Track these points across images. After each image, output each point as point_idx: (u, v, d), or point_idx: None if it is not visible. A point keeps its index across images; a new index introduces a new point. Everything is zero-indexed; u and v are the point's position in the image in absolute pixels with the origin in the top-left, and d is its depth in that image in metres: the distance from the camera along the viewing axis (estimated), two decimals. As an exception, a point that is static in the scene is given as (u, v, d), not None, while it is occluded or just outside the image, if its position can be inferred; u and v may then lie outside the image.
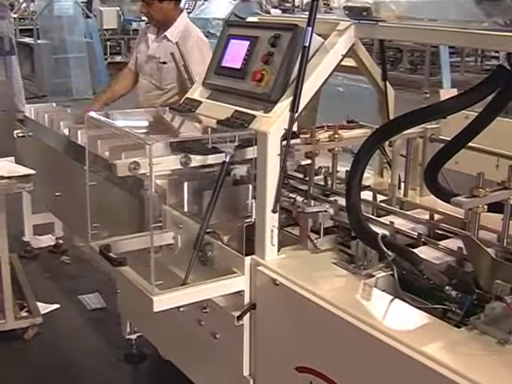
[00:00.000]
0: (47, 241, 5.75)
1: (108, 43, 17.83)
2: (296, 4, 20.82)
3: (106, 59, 15.94)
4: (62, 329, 4.50)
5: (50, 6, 13.17)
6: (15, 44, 9.86)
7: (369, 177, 3.41)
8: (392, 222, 2.64)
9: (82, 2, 14.57)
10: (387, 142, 3.28)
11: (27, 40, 13.99)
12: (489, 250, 2.31)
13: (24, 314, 4.35)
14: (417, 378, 1.97)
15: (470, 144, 2.69)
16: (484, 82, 2.41)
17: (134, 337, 3.96)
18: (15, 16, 14.91)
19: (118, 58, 17.92)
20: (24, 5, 16.41)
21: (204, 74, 3.04)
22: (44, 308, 4.56)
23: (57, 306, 4.71)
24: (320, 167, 3.27)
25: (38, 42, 13.30)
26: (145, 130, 2.64)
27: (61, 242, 5.71)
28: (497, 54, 14.44)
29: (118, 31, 18.42)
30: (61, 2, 12.99)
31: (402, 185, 3.26)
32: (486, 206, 2.31)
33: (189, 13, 15.51)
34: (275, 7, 16.59)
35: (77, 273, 5.34)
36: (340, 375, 2.26)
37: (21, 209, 5.53)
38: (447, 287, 2.22)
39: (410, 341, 2.02)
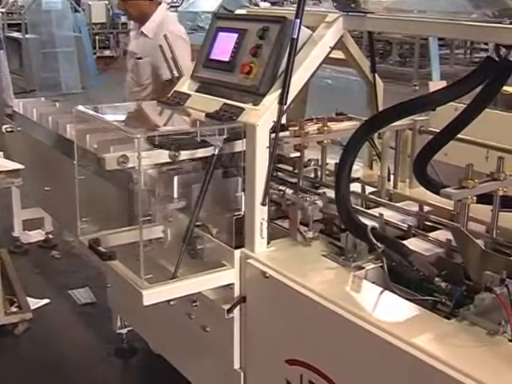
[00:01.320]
0: (37, 236, 5.73)
1: (97, 37, 17.77)
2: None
3: (94, 53, 15.90)
4: (53, 324, 4.48)
5: (38, 0, 13.11)
6: (3, 39, 9.80)
7: (358, 169, 3.40)
8: (381, 214, 2.64)
9: (72, -4, 14.52)
10: (376, 134, 3.28)
11: (15, 34, 13.93)
12: (478, 241, 2.31)
13: (14, 309, 4.34)
14: (407, 370, 1.98)
15: (459, 135, 2.69)
16: (472, 73, 2.41)
17: (124, 331, 3.95)
18: (3, 10, 14.88)
19: (107, 53, 17.89)
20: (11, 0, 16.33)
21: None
22: (34, 303, 4.54)
23: (47, 301, 4.69)
24: (309, 160, 3.26)
25: (27, 36, 13.25)
26: (133, 124, 2.62)
27: (50, 236, 5.70)
28: (486, 47, 14.44)
29: (107, 25, 18.35)
30: (49, -4, 12.96)
31: (392, 177, 3.27)
32: (474, 198, 2.31)
33: (177, 6, 15.51)
34: (264, 0, 16.53)
35: (67, 268, 5.32)
36: (330, 367, 2.26)
37: (10, 204, 5.50)
38: (437, 279, 2.22)
39: (400, 332, 2.02)
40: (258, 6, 13.44)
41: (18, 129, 4.95)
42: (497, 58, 2.35)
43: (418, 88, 12.43)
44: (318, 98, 3.72)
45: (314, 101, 3.63)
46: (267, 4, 16.08)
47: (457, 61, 15.65)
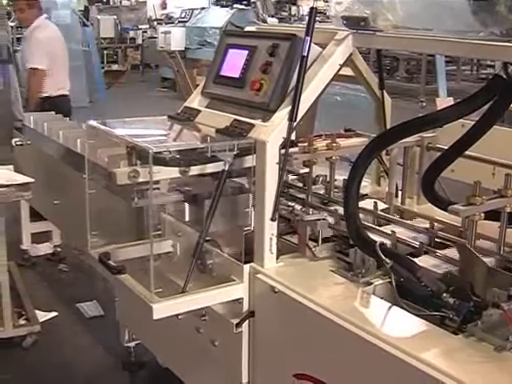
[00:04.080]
0: (45, 249, 5.76)
1: (105, 52, 17.89)
2: (293, 13, 20.87)
3: (102, 67, 15.99)
4: (60, 337, 4.50)
5: (47, 14, 13.17)
6: (12, 53, 9.86)
7: (366, 185, 3.42)
8: (394, 232, 2.66)
9: (80, 11, 14.62)
10: (384, 151, 3.31)
11: (24, 49, 13.99)
12: (487, 259, 2.33)
13: (22, 321, 4.36)
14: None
15: (466, 152, 2.71)
16: (480, 91, 2.44)
17: (132, 344, 3.95)
18: (12, 25, 14.93)
19: (115, 67, 18.02)
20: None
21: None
22: (42, 316, 4.56)
23: (55, 313, 4.71)
24: (318, 176, 3.29)
25: (36, 50, 13.29)
26: (145, 139, 2.65)
27: (58, 249, 5.72)
28: (492, 63, 14.50)
29: (115, 40, 18.48)
30: (58, 11, 12.98)
31: (399, 193, 3.28)
32: (482, 214, 2.33)
33: (185, 22, 15.61)
34: (272, 16, 16.60)
35: (74, 281, 5.35)
36: (339, 382, 2.27)
37: (19, 217, 5.53)
38: (445, 294, 2.24)
39: (409, 347, 2.04)
40: (266, 21, 13.51)
41: (28, 142, 4.99)
42: (505, 76, 2.37)
43: (424, 104, 12.46)
44: (327, 115, 3.75)
45: (322, 117, 3.66)
46: (275, 20, 16.15)
47: (463, 77, 15.71)
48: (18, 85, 8.64)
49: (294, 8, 21.02)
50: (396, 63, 15.90)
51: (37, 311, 4.56)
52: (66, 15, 13.12)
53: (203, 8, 16.47)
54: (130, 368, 4.06)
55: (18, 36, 14.73)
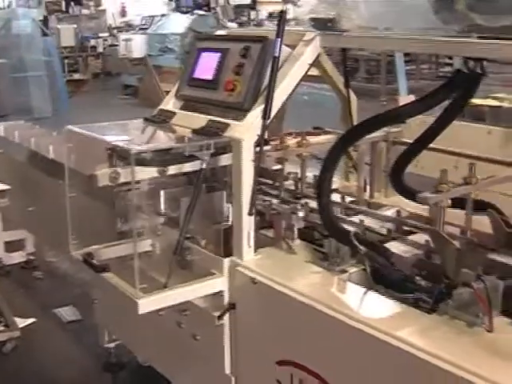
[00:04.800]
0: (18, 257, 5.78)
1: (66, 61, 17.84)
2: (252, 17, 21.04)
3: (64, 77, 15.95)
4: (40, 342, 4.54)
5: (7, 24, 13.16)
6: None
7: (335, 181, 3.54)
8: (362, 220, 2.79)
9: (39, 20, 14.59)
10: (352, 147, 3.44)
11: (-15, 59, 13.95)
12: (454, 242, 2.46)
13: (1, 328, 4.40)
14: (393, 362, 2.11)
15: (430, 145, 2.85)
16: (443, 86, 2.56)
17: (112, 345, 4.02)
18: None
19: (77, 76, 17.99)
20: (-20, 25, 16.36)
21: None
22: (21, 322, 4.60)
23: (33, 319, 4.75)
24: (289, 173, 3.40)
25: (-4, 61, 13.27)
26: (124, 141, 2.75)
27: (32, 258, 5.75)
28: (451, 61, 14.78)
29: (76, 49, 18.45)
30: (19, 21, 12.99)
31: (368, 188, 3.41)
32: (449, 201, 2.46)
33: (146, 29, 15.68)
34: (231, 21, 16.75)
35: (50, 287, 5.39)
36: (319, 364, 2.39)
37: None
38: (417, 278, 2.37)
39: (385, 327, 2.16)
40: (226, 26, 13.65)
41: (0, 151, 5.04)
42: (466, 71, 2.50)
43: (386, 103, 12.61)
44: (296, 113, 3.87)
45: (291, 116, 3.78)
46: (234, 25, 16.31)
47: (423, 75, 15.95)
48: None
49: (253, 13, 21.20)
50: (356, 64, 16.09)
51: (15, 318, 4.60)
52: (27, 25, 13.12)
53: (163, 15, 16.56)
54: (110, 369, 4.12)
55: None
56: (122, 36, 15.36)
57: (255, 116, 2.69)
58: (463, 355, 2.00)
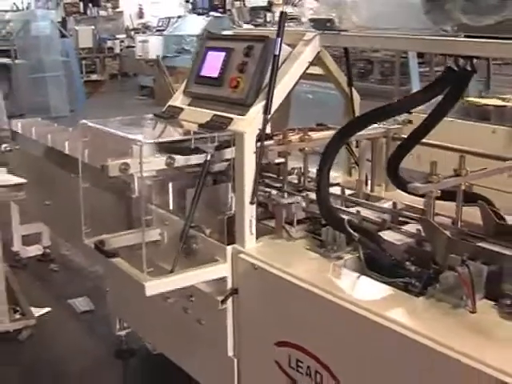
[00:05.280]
0: (35, 250, 5.96)
1: (83, 62, 18.08)
2: (268, 19, 21.19)
3: (82, 77, 16.18)
4: (54, 331, 4.71)
5: (26, 26, 13.39)
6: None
7: (338, 176, 3.70)
8: (359, 211, 2.93)
9: (58, 22, 14.81)
10: (354, 143, 3.59)
11: (4, 60, 14.18)
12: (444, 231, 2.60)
13: (17, 316, 4.57)
14: (383, 340, 2.26)
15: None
16: (434, 82, 2.71)
17: (123, 333, 4.18)
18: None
19: (94, 77, 18.23)
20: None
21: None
22: (36, 312, 4.77)
23: (48, 309, 4.92)
24: (293, 168, 3.55)
25: (16, 61, 13.49)
26: (134, 134, 2.91)
27: (48, 251, 5.94)
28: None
29: (94, 50, 18.69)
30: (37, 22, 13.21)
31: (369, 182, 3.56)
32: (439, 191, 2.59)
33: (163, 30, 15.87)
34: (247, 23, 16.92)
35: (65, 280, 5.56)
36: (315, 345, 2.54)
37: (9, 220, 5.74)
38: (407, 263, 2.51)
39: (376, 308, 2.31)
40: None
41: (17, 147, 5.22)
42: (456, 68, 2.64)
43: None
44: (300, 111, 4.01)
45: (296, 113, 3.93)
46: (251, 27, 16.45)
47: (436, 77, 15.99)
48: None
49: (269, 14, 21.34)
50: (370, 66, 16.20)
51: (31, 308, 4.77)
52: (46, 27, 13.33)
53: (180, 16, 16.74)
54: (122, 356, 4.28)
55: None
56: (139, 37, 15.56)
57: (257, 111, 2.84)
58: (448, 333, 2.14)
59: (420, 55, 12.50)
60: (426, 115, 2.78)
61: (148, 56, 14.84)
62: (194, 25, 15.19)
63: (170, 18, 16.68)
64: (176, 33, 15.36)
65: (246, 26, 15.87)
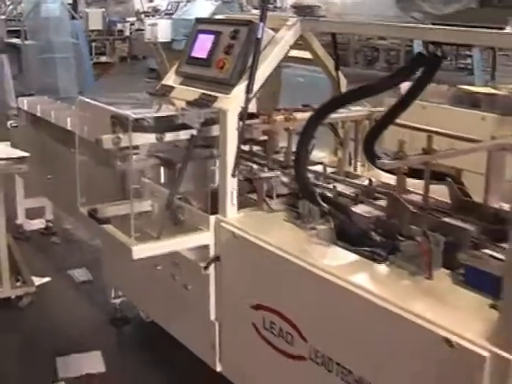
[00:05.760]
0: (38, 224, 6.19)
1: (93, 44, 18.26)
2: (278, 5, 21.24)
3: (91, 59, 16.34)
4: (53, 299, 4.93)
5: (36, 7, 13.54)
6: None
7: (325, 156, 3.90)
8: (335, 186, 3.14)
9: (68, 4, 14.96)
10: (340, 125, 3.79)
11: (14, 41, 14.37)
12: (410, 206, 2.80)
13: (19, 284, 4.79)
14: (348, 303, 2.47)
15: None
16: (406, 66, 2.89)
17: (117, 301, 4.41)
18: (3, 17, 15.31)
19: (103, 59, 18.42)
20: (11, 7, 16.79)
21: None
22: (36, 281, 4.99)
23: (48, 279, 5.14)
24: (282, 147, 3.75)
25: (26, 42, 13.66)
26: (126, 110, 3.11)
27: (51, 224, 6.16)
28: (471, 53, 14.95)
29: (103, 32, 18.86)
30: (47, 4, 13.35)
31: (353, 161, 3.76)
32: (406, 168, 2.79)
33: (171, 14, 15.98)
34: (255, 8, 16.99)
35: (66, 252, 5.78)
36: (287, 308, 2.75)
37: (14, 194, 5.95)
38: (373, 234, 2.71)
39: (343, 274, 2.52)
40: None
41: (23, 124, 5.43)
42: (426, 53, 2.82)
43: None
44: (292, 93, 4.21)
45: (288, 95, 4.12)
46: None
47: (442, 67, 16.10)
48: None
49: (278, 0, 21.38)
50: (376, 54, 16.36)
51: (32, 277, 4.99)
52: (56, 8, 13.44)
53: (189, 0, 16.83)
54: (116, 323, 4.50)
55: (9, 29, 15.17)
56: (148, 21, 15.68)
57: (240, 90, 3.05)
58: (405, 296, 2.35)
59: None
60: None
61: (157, 39, 14.97)
62: (203, 9, 15.26)
63: (178, 2, 16.78)
64: (184, 17, 15.46)
65: (254, 11, 15.97)
